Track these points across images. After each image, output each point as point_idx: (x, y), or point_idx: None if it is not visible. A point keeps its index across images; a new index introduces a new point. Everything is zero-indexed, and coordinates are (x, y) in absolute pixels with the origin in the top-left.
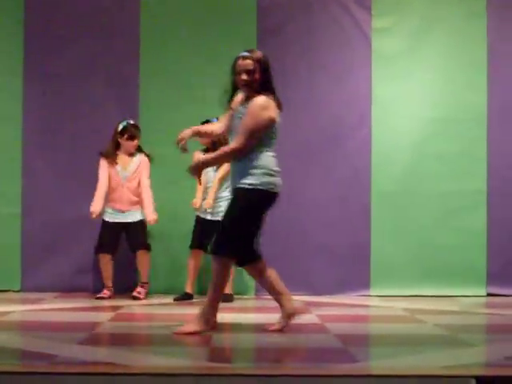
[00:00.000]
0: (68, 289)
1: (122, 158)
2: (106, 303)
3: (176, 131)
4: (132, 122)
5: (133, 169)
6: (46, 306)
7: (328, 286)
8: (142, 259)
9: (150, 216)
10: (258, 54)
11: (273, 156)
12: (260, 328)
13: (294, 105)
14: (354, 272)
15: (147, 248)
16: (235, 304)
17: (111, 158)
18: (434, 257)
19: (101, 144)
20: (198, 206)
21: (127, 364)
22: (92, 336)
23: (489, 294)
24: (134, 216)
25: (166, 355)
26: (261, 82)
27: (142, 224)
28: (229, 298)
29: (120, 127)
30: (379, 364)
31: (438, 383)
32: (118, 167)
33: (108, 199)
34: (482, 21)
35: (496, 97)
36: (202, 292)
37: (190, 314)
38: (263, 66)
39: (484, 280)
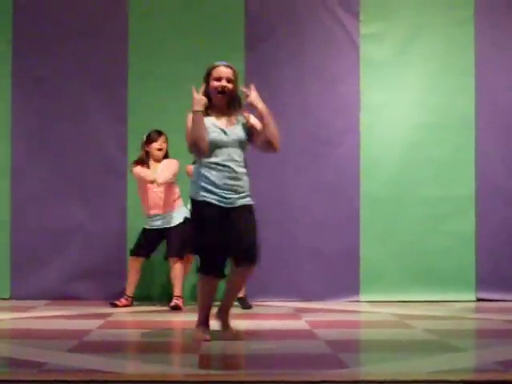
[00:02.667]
0: (58, 297)
1: (152, 164)
2: (95, 311)
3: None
4: (155, 129)
5: (158, 171)
6: (35, 314)
7: (317, 292)
8: (173, 268)
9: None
10: (233, 66)
11: None
12: (249, 335)
13: (282, 111)
14: (343, 277)
15: (177, 256)
16: None
17: (143, 163)
18: (423, 262)
19: (90, 149)
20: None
21: (116, 371)
22: (81, 344)
23: (478, 299)
24: (172, 220)
25: (156, 362)
26: (234, 94)
27: (178, 230)
28: (249, 305)
29: (144, 137)
30: (368, 370)
31: None
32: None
33: (144, 207)
34: (470, 27)
35: (484, 102)
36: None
37: (179, 321)
38: (237, 79)
39: (473, 285)
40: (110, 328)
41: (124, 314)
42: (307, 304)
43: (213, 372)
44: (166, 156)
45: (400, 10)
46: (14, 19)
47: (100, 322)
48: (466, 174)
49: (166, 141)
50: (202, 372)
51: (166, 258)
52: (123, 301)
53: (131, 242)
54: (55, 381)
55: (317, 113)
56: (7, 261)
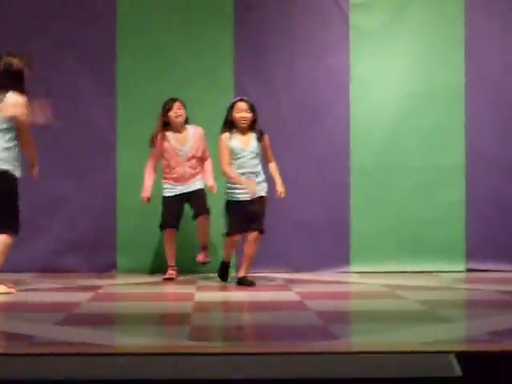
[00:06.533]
0: (47, 269)
1: (176, 136)
2: (84, 283)
3: (154, 106)
4: (170, 97)
5: (190, 144)
6: (23, 287)
7: (308, 263)
8: (203, 224)
9: (211, 182)
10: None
11: None
12: (240, 307)
13: (272, 81)
14: (333, 248)
15: (208, 213)
16: (215, 283)
17: (161, 134)
18: (413, 232)
19: (78, 121)
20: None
21: (105, 344)
22: (71, 316)
23: (468, 270)
24: (194, 185)
25: (146, 335)
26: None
27: (203, 191)
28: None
29: (162, 108)
30: (359, 341)
31: (419, 359)
32: (176, 144)
33: (167, 177)
34: None
35: (473, 72)
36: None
37: (170, 293)
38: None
39: (463, 255)
40: (99, 300)
41: (114, 286)
42: (297, 275)
43: (202, 344)
44: (186, 122)
45: None
46: None
47: (89, 294)
48: (455, 144)
49: (182, 106)
50: (191, 344)
51: (196, 216)
52: (173, 272)
53: (120, 214)
54: (43, 354)
55: (306, 83)
56: None
